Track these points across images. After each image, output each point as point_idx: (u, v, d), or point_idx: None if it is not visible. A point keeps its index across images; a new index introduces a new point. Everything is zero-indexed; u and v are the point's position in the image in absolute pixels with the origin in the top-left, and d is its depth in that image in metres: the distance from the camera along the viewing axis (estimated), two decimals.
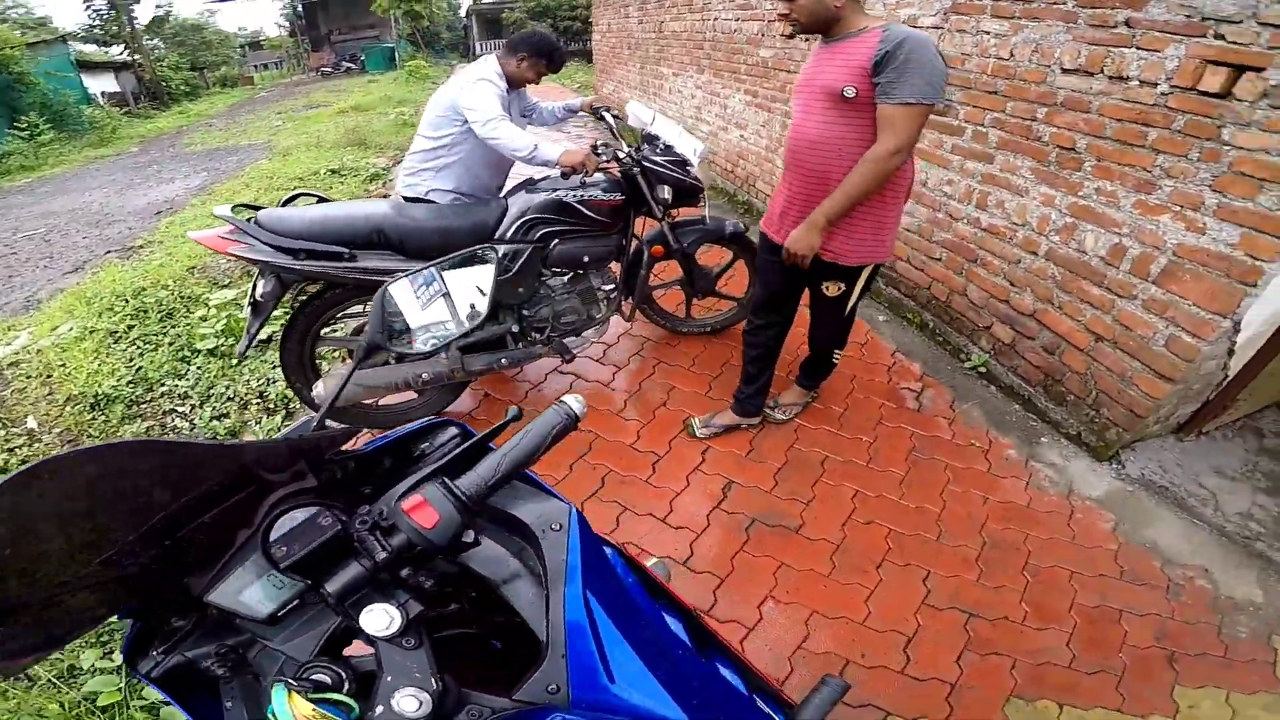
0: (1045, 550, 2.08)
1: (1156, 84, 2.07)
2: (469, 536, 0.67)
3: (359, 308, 2.41)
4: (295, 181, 6.39)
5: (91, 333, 3.40)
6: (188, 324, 3.50)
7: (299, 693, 0.57)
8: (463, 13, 35.90)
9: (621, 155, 2.46)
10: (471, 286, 0.94)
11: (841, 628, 1.84)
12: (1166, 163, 2.08)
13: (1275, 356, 2.20)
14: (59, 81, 13.31)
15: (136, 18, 20.98)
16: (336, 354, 3.19)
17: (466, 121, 2.40)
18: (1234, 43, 1.84)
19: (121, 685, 1.71)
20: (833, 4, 1.70)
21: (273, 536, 0.68)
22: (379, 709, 0.59)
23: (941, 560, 2.03)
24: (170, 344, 3.34)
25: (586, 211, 2.41)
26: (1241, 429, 2.59)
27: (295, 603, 0.71)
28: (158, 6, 25.14)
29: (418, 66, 19.45)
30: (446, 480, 0.67)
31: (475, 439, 0.77)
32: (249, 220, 2.08)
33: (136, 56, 19.27)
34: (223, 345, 3.32)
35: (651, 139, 2.59)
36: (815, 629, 1.84)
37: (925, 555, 2.05)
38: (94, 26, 20.98)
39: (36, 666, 1.74)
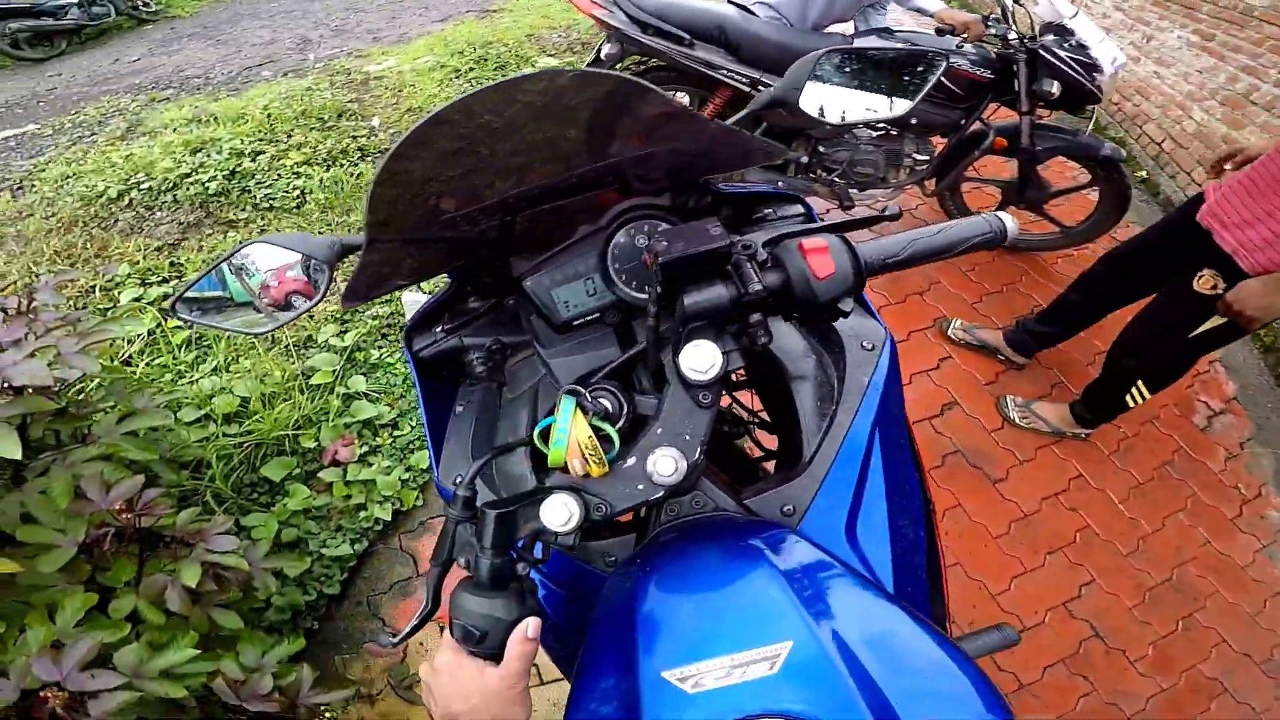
0: (1219, 612, 1.80)
1: None
2: (847, 305, 0.58)
3: (670, 94, 2.45)
4: None
5: (441, 67, 3.90)
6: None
7: (585, 410, 0.54)
8: None
9: (1012, 37, 2.21)
10: (910, 76, 0.86)
11: (972, 590, 1.75)
12: None
13: None
14: None
15: None
16: None
17: None
18: None
19: (337, 368, 1.97)
20: None
21: (617, 244, 0.68)
22: (632, 459, 0.54)
23: (1113, 575, 1.83)
24: None
25: (942, 78, 2.09)
26: None
27: (593, 318, 0.69)
28: None
29: None
30: (847, 238, 0.59)
31: (839, 222, 0.64)
32: None
33: None
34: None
35: (1063, 31, 2.25)
36: (949, 581, 1.57)
37: (1101, 564, 1.85)
38: None
39: (281, 331, 2.10)
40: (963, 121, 2.35)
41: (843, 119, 0.81)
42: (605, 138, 0.57)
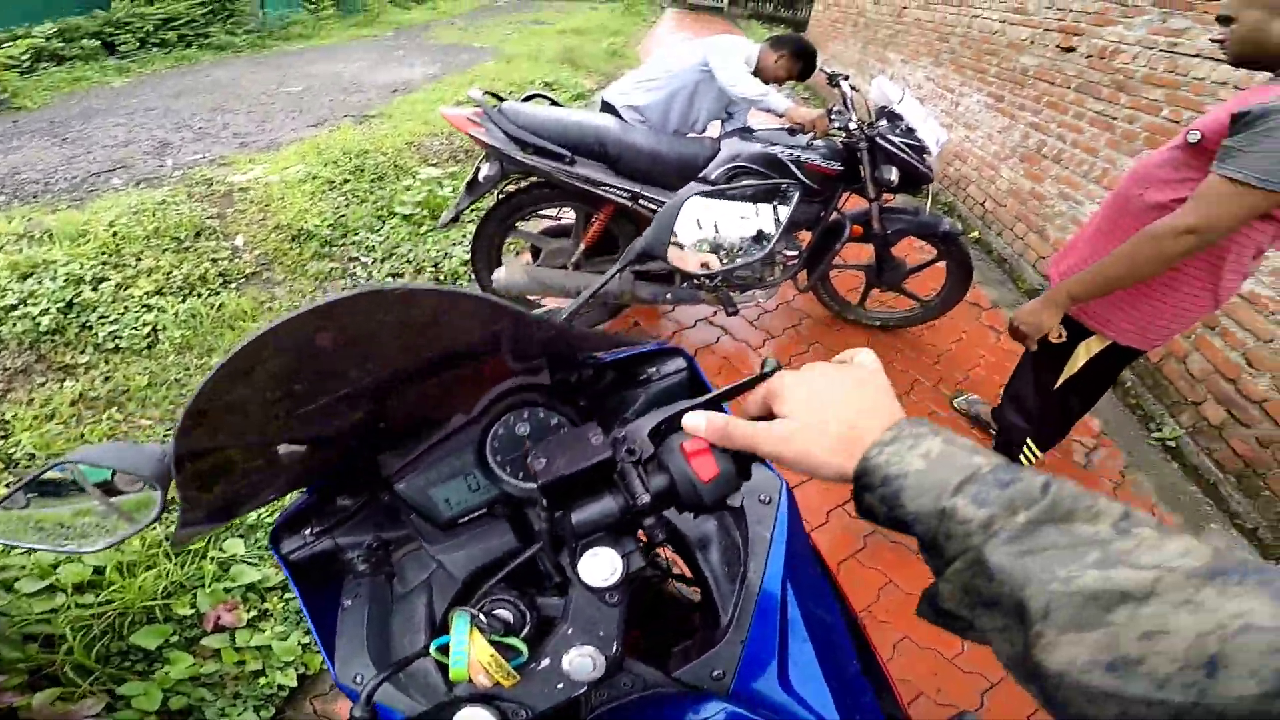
0: None
1: None
2: (735, 500, 0.57)
3: (552, 210, 2.54)
4: (513, 86, 6.64)
5: (313, 178, 3.81)
6: (393, 189, 3.78)
7: (481, 630, 0.52)
8: None
9: (853, 127, 2.36)
10: (767, 219, 0.89)
11: (929, 660, 1.75)
12: None
13: None
14: None
15: None
16: (514, 246, 3.28)
17: (705, 68, 2.54)
18: None
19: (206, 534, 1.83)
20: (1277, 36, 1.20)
21: (495, 437, 0.64)
22: (546, 661, 0.53)
23: None
24: (374, 202, 3.64)
25: (797, 173, 2.33)
26: None
27: (478, 513, 0.66)
28: None
29: (635, 2, 19.62)
30: None
31: (720, 391, 0.62)
32: (494, 107, 2.24)
33: None
34: (417, 214, 3.56)
35: (893, 117, 2.42)
36: (901, 654, 1.74)
37: None
38: None
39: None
40: (822, 214, 2.50)
41: (707, 268, 0.84)
42: (444, 346, 0.56)
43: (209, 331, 2.61)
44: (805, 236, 2.60)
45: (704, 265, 0.85)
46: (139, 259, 2.88)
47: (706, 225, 0.86)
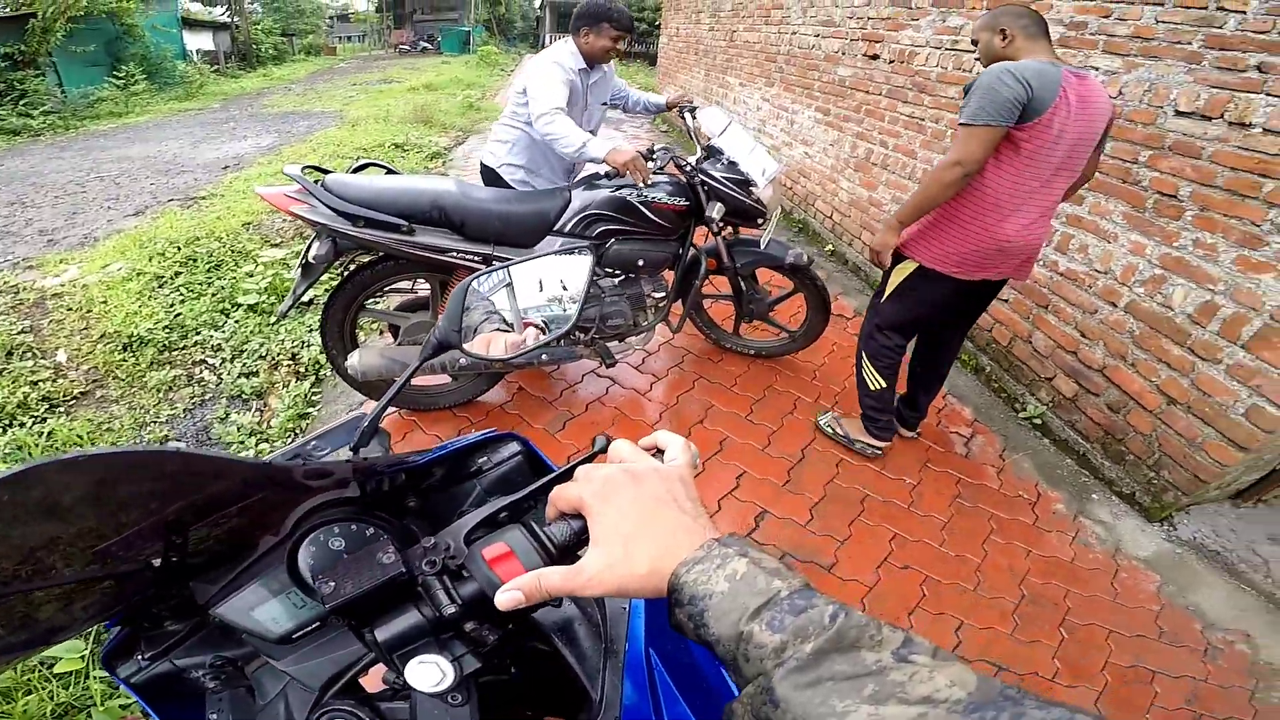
0: (1085, 608, 2.01)
1: None
2: (556, 601, 0.57)
3: (406, 283, 2.39)
4: (360, 151, 6.48)
5: (139, 274, 3.46)
6: (234, 278, 3.54)
7: None
8: (537, 3, 36.51)
9: (683, 163, 2.35)
10: (565, 281, 0.83)
11: None
12: None
13: None
14: (162, 36, 13.92)
15: None
16: (375, 326, 3.17)
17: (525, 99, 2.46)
18: None
19: (85, 653, 1.64)
20: (999, 48, 1.85)
21: (307, 553, 0.61)
22: None
23: (977, 611, 1.96)
24: (213, 295, 3.38)
25: (648, 213, 2.31)
26: None
27: (315, 625, 0.63)
28: None
29: (489, 52, 19.88)
30: (534, 525, 0.55)
31: (540, 482, 0.62)
32: (316, 182, 2.07)
33: (237, 19, 20.02)
34: (264, 302, 3.35)
35: (717, 151, 2.43)
36: None
37: (961, 605, 1.97)
38: None
39: None
40: (680, 250, 2.48)
41: (510, 353, 0.77)
42: (192, 497, 0.49)
43: None
44: (670, 276, 2.58)
45: (513, 346, 0.78)
46: None
47: (503, 302, 0.79)
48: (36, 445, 2.35)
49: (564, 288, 0.83)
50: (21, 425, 2.44)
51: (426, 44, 29.63)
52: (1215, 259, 2.08)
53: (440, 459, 0.73)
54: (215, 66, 17.07)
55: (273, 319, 3.21)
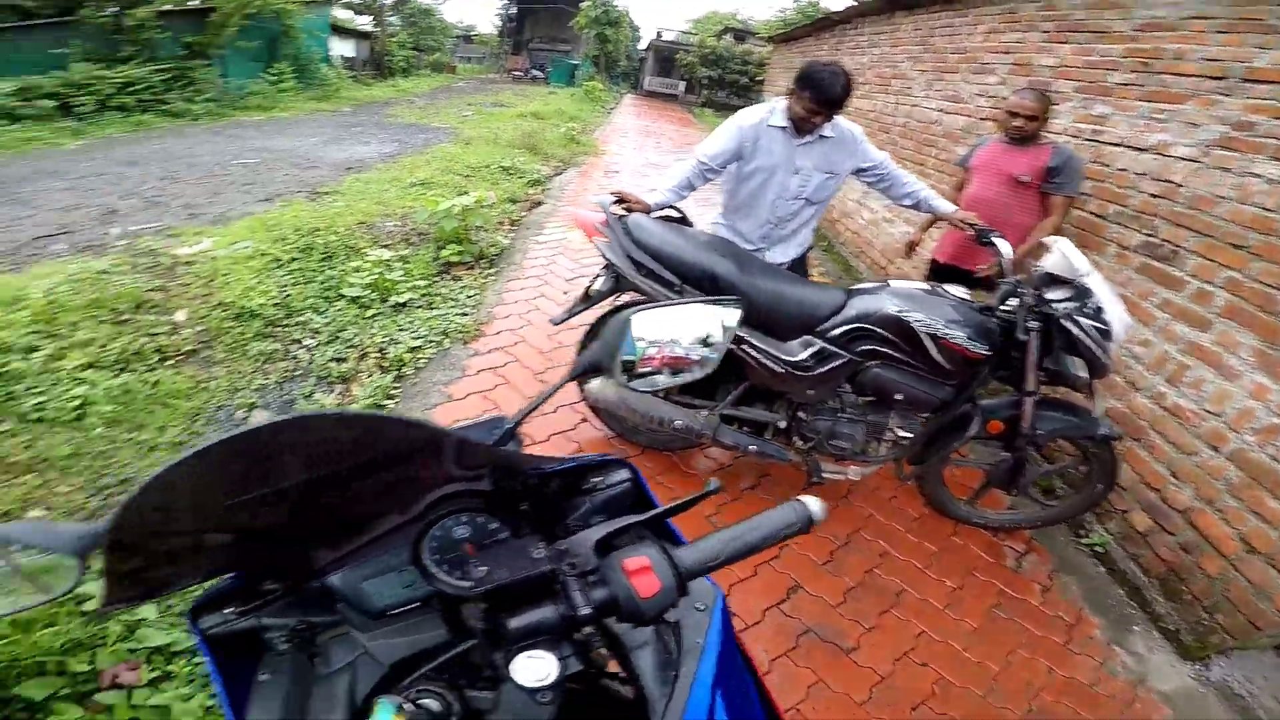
0: None
1: None
2: (672, 615, 0.62)
3: None
4: (469, 169, 6.94)
5: (261, 255, 3.87)
6: (342, 270, 3.90)
7: (408, 717, 0.53)
8: (642, 46, 37.53)
9: (1012, 304, 2.02)
10: (710, 327, 0.89)
11: None
12: None
13: None
14: (314, 40, 15.40)
15: None
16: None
17: (737, 159, 2.47)
18: None
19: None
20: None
21: (433, 537, 0.66)
22: None
23: (979, 717, 1.96)
24: (321, 283, 3.74)
25: (932, 349, 2.02)
26: None
27: (413, 605, 0.68)
28: None
29: (594, 87, 20.70)
30: (667, 548, 0.62)
31: (665, 509, 0.69)
32: (620, 219, 2.24)
33: (377, 29, 21.96)
34: (365, 296, 3.68)
35: (1081, 293, 2.01)
36: None
37: (966, 709, 1.97)
38: None
39: None
40: (953, 400, 2.15)
41: (652, 388, 0.84)
42: (378, 457, 0.60)
43: (141, 409, 2.61)
44: (923, 418, 2.27)
45: (652, 382, 0.84)
46: (74, 329, 2.88)
47: (657, 336, 0.84)
48: (142, 391, 2.68)
49: (709, 334, 0.88)
50: (133, 371, 2.78)
51: (537, 72, 31.18)
52: None
53: (563, 471, 0.79)
54: (352, 73, 18.63)
55: (370, 312, 3.55)
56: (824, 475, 2.34)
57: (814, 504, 0.67)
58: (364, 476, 0.61)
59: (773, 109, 2.44)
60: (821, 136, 2.41)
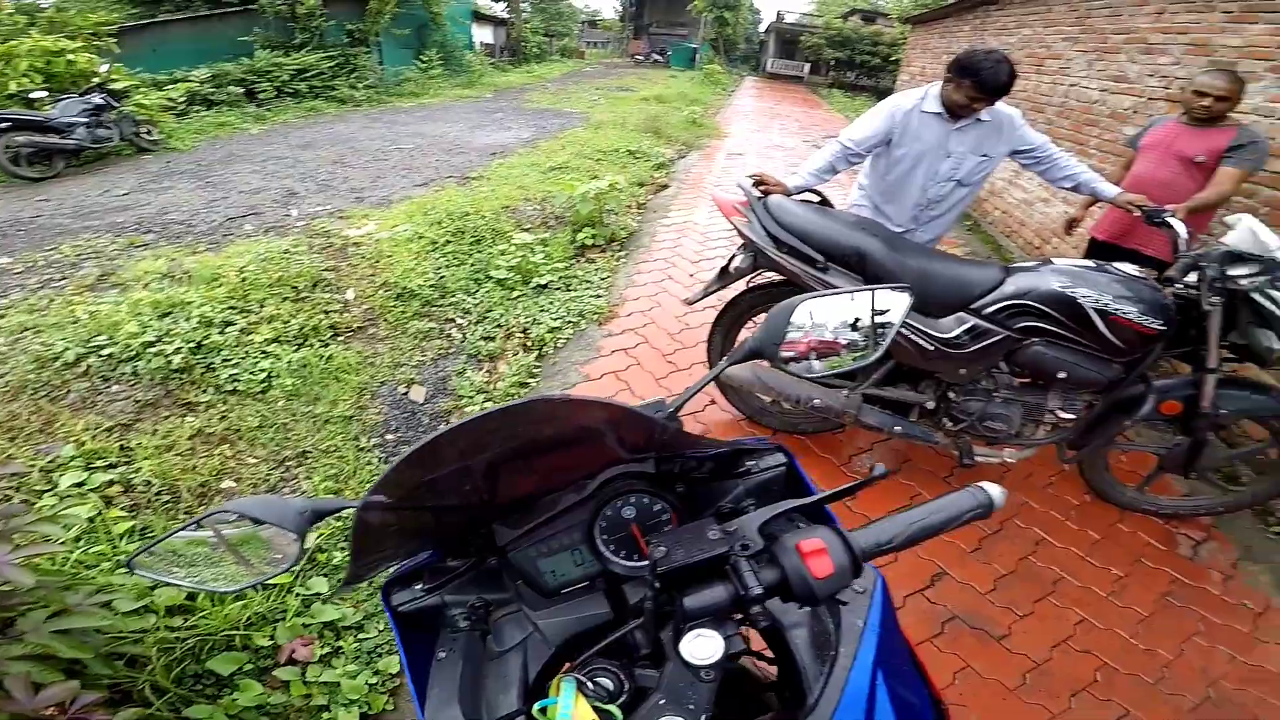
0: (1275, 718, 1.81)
1: None
2: (845, 596, 0.63)
3: None
4: (599, 153, 7.00)
5: (419, 238, 4.10)
6: (489, 254, 4.04)
7: (586, 695, 0.56)
8: (762, 28, 36.54)
9: (1192, 278, 1.90)
10: (881, 313, 0.87)
11: None
12: None
13: None
14: (457, 27, 16.25)
15: None
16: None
17: (885, 144, 2.44)
18: None
19: (295, 569, 1.87)
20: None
21: (603, 516, 0.69)
22: None
23: (1149, 704, 1.83)
24: (471, 265, 3.89)
25: (1100, 325, 1.89)
26: None
27: (582, 584, 0.72)
28: None
29: (713, 71, 20.39)
30: (842, 530, 0.62)
31: (830, 493, 0.67)
32: (759, 200, 2.25)
33: (512, 16, 22.77)
34: (510, 279, 3.78)
35: (1272, 266, 1.88)
36: None
37: (1133, 696, 1.85)
38: None
39: None
40: (1121, 380, 2.01)
41: (811, 371, 0.84)
42: (571, 433, 0.66)
43: (316, 382, 2.82)
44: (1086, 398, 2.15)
45: (807, 367, 0.84)
46: (262, 305, 3.16)
47: (818, 322, 0.83)
48: (317, 365, 2.88)
49: (882, 319, 0.85)
50: (310, 346, 3.00)
51: (658, 56, 31.16)
52: None
53: (720, 454, 0.79)
54: (491, 59, 19.47)
55: (514, 294, 3.66)
56: (975, 459, 2.24)
57: (994, 490, 0.65)
58: (546, 453, 0.66)
59: (925, 94, 2.38)
60: (978, 120, 2.34)
